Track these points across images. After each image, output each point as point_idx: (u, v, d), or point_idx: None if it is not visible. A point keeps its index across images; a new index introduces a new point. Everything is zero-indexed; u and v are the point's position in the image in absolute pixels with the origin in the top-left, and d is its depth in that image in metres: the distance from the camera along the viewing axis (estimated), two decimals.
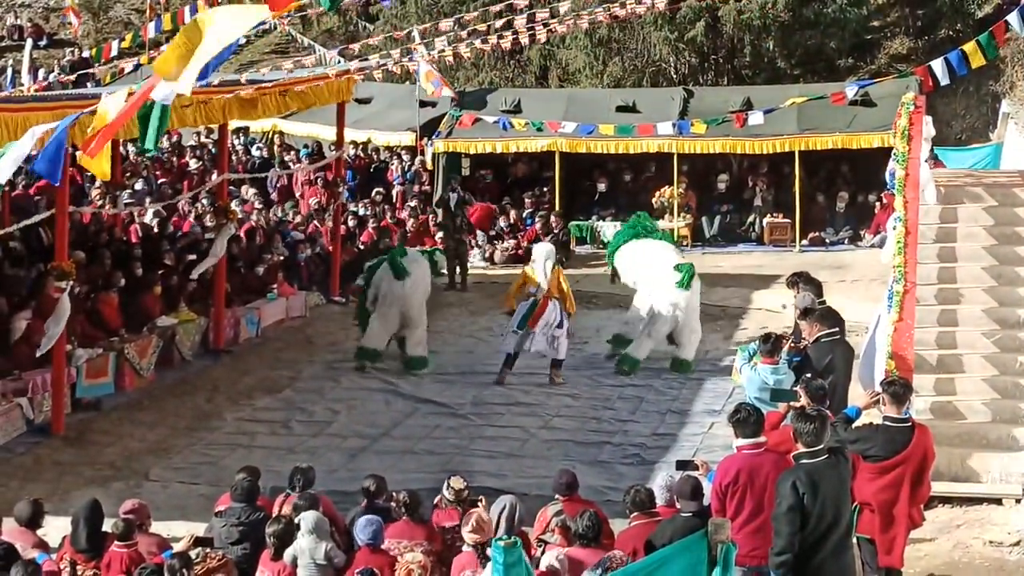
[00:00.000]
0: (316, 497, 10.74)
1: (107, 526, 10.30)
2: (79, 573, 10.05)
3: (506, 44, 25.29)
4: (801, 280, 14.49)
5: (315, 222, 25.05)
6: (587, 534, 9.29)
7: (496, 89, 30.32)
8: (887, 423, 10.17)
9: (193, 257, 20.56)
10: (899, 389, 10.26)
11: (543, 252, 18.51)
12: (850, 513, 9.16)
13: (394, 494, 10.66)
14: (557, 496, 10.47)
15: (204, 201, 24.88)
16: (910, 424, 10.17)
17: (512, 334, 18.13)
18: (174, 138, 29.85)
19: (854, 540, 10.24)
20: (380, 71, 24.22)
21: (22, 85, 28.95)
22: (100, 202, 22.13)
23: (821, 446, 8.95)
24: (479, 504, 10.32)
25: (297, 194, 27.64)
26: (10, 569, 9.10)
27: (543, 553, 9.29)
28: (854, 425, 10.43)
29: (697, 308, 18.83)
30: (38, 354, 15.86)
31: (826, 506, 8.81)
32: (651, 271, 18.87)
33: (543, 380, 18.00)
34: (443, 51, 24.60)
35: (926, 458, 10.16)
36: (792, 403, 10.57)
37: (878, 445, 10.01)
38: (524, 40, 24.23)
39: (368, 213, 26.37)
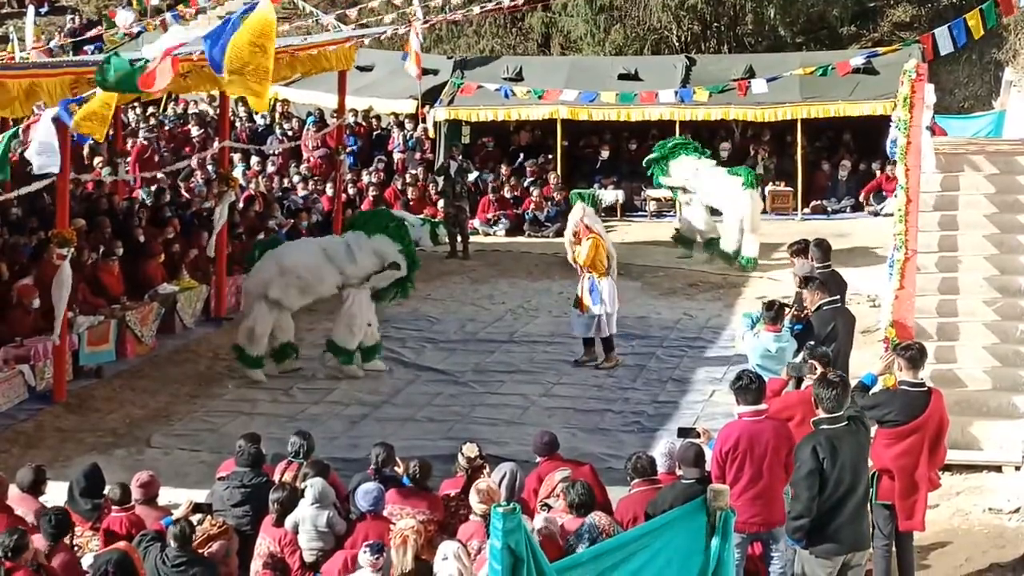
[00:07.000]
0: (327, 465, 10.76)
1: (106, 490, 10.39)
2: (78, 534, 10.11)
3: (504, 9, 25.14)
4: (811, 246, 14.31)
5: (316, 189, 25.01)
6: (577, 501, 9.32)
7: (498, 57, 30.22)
8: (904, 387, 10.11)
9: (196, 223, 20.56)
10: (915, 354, 10.18)
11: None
12: (868, 480, 9.15)
13: (401, 461, 10.68)
14: (538, 459, 10.49)
15: (209, 168, 24.88)
16: (927, 388, 10.13)
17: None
18: (180, 106, 29.78)
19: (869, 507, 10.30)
20: (381, 38, 24.12)
21: (23, 52, 28.83)
22: (101, 169, 22.11)
23: (841, 412, 8.95)
24: (483, 472, 10.34)
25: (303, 161, 27.55)
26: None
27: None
28: (871, 392, 10.44)
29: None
30: (56, 328, 15.73)
31: (844, 472, 8.83)
32: (712, 184, 22.24)
33: (545, 348, 17.93)
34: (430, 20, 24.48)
35: (942, 422, 10.13)
36: (805, 372, 10.58)
37: (896, 410, 9.96)
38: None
39: (373, 181, 26.30)
